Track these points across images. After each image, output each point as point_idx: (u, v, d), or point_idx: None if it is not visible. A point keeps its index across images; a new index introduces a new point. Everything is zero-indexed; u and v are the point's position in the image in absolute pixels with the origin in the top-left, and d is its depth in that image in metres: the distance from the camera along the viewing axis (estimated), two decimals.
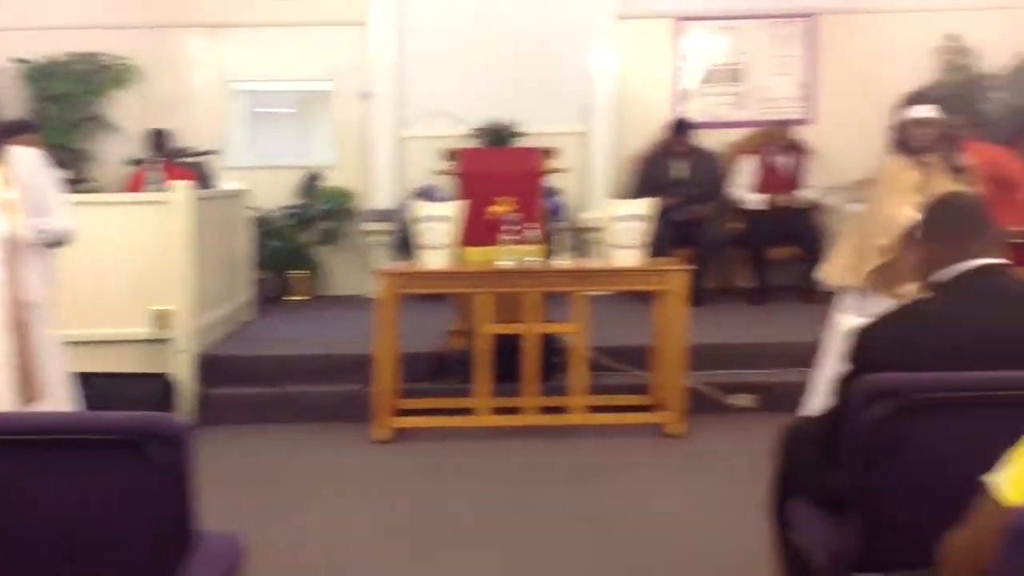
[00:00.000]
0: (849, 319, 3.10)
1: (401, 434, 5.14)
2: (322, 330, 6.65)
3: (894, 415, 2.18)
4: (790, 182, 7.54)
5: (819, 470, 2.52)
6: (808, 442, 2.63)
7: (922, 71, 7.77)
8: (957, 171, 4.18)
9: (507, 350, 5.15)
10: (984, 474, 1.63)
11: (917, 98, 4.22)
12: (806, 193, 7.51)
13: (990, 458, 1.64)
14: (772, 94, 8.15)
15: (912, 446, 2.21)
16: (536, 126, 7.73)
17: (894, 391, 2.19)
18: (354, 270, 7.93)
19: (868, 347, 2.37)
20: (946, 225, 2.50)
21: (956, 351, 2.28)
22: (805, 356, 5.06)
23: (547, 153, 5.89)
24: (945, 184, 4.00)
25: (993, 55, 7.69)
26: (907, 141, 4.21)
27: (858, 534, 2.26)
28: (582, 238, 7.90)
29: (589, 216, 7.78)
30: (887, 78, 7.72)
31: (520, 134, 7.77)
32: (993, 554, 1.47)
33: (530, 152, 6.19)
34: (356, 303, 7.23)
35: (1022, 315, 2.34)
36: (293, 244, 7.91)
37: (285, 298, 7.81)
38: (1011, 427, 1.66)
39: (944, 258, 2.46)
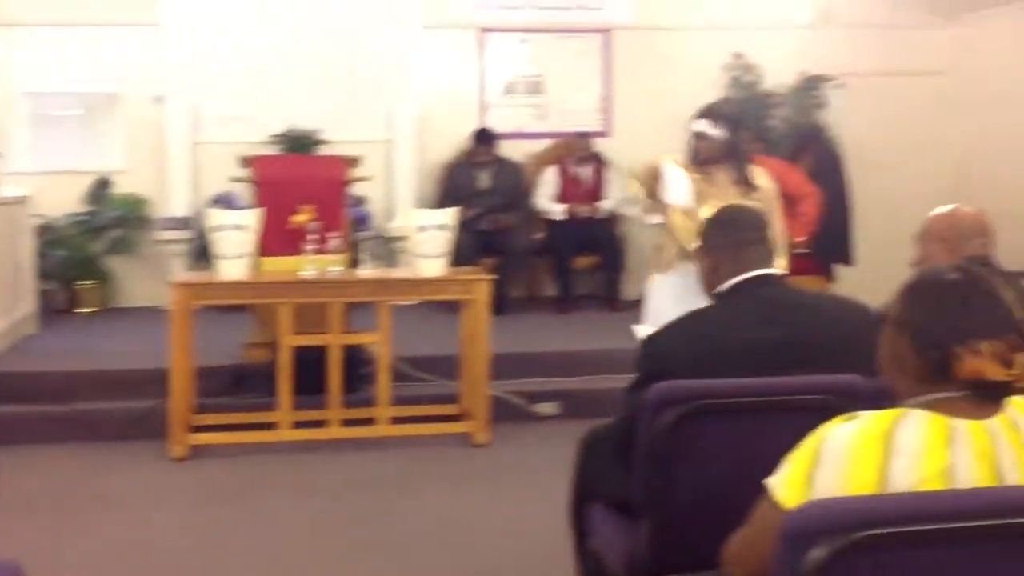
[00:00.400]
0: (640, 328, 3.19)
1: (200, 451, 4.96)
2: (114, 343, 6.35)
3: (680, 421, 2.25)
4: (591, 193, 7.73)
5: (613, 476, 2.57)
6: (603, 448, 2.68)
7: (711, 87, 8.14)
8: (746, 185, 4.36)
9: (311, 362, 5.05)
10: (765, 477, 1.70)
11: (703, 112, 4.38)
12: (606, 204, 7.72)
13: (772, 461, 1.70)
14: (572, 106, 8.33)
15: (698, 451, 2.29)
16: (340, 134, 7.62)
17: (679, 398, 2.26)
18: (149, 280, 7.59)
19: (654, 355, 2.44)
20: (724, 236, 2.60)
21: (734, 358, 2.37)
22: (608, 364, 5.20)
23: (351, 161, 5.82)
24: (730, 196, 4.18)
25: (777, 73, 8.13)
26: (692, 153, 4.38)
27: (648, 538, 2.33)
28: (388, 247, 7.87)
29: (395, 225, 7.74)
30: (679, 93, 8.04)
31: (323, 142, 7.64)
32: (771, 554, 1.53)
33: (333, 160, 6.11)
34: (152, 315, 6.94)
35: (796, 323, 2.45)
36: (81, 253, 7.50)
37: (74, 310, 7.40)
38: (790, 431, 1.73)
39: (724, 268, 2.56)
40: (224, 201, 7.23)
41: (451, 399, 5.47)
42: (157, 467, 4.80)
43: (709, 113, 4.37)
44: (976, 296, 1.62)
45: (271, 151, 7.44)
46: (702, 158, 4.33)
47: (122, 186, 7.74)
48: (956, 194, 8.05)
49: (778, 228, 4.24)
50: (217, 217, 5.13)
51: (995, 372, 1.58)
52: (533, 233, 7.64)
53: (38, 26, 7.60)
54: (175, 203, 7.63)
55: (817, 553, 1.43)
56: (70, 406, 5.24)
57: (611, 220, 7.84)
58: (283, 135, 7.63)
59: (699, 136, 4.33)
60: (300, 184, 5.69)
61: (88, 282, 7.53)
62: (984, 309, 1.61)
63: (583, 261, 7.64)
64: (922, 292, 1.68)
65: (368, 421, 5.13)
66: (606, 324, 6.73)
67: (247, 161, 5.79)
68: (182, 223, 7.53)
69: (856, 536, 1.44)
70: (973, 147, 8.28)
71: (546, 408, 5.51)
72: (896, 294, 1.73)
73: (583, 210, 7.57)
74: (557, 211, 7.60)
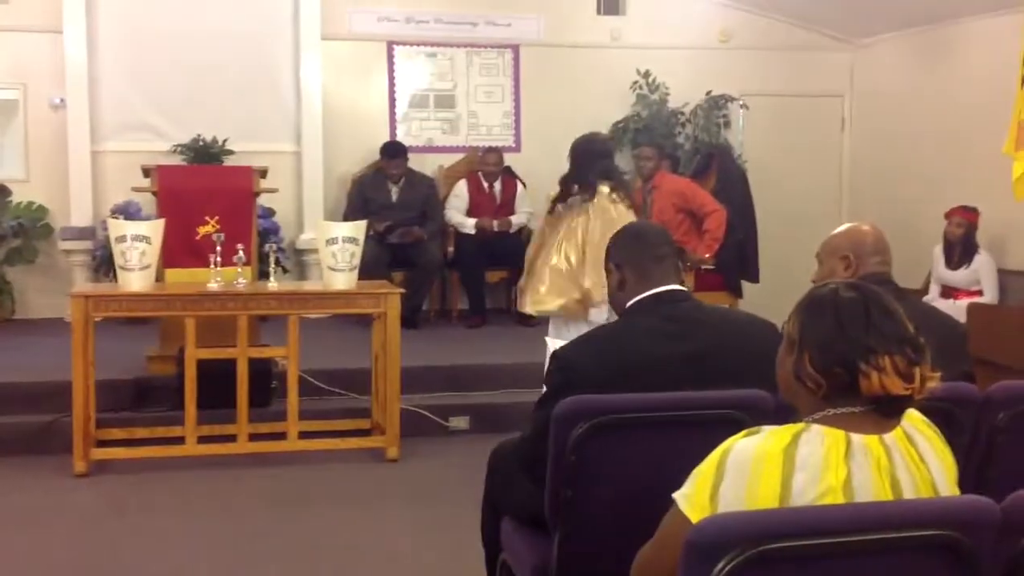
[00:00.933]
0: (552, 342, 3.22)
1: (103, 466, 4.86)
2: (14, 356, 6.16)
3: (589, 435, 2.27)
4: (502, 207, 7.77)
5: (523, 490, 2.59)
6: (513, 462, 2.70)
7: (618, 104, 8.27)
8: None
9: (218, 376, 4.98)
10: (673, 491, 1.73)
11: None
12: (517, 218, 7.76)
13: (680, 475, 1.73)
14: (482, 121, 8.37)
15: (607, 465, 2.32)
16: (247, 144, 7.53)
17: (588, 412, 2.28)
18: (50, 291, 7.39)
19: (563, 369, 2.47)
20: (632, 252, 2.65)
21: (642, 373, 2.41)
22: (519, 378, 5.23)
23: (258, 172, 5.76)
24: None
25: (683, 92, 8.29)
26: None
27: (558, 552, 2.35)
28: (299, 260, 7.80)
29: (305, 237, 7.67)
30: (587, 109, 8.17)
31: (229, 152, 7.54)
32: (675, 567, 1.57)
33: (239, 171, 6.04)
34: (54, 327, 6.78)
35: (703, 339, 2.50)
36: None
37: None
38: (699, 445, 1.76)
39: (632, 283, 2.60)
40: (125, 211, 7.08)
41: (362, 413, 5.44)
42: (59, 483, 4.68)
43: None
44: (875, 313, 1.68)
45: (176, 161, 7.31)
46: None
47: (21, 194, 7.52)
48: (852, 212, 8.38)
49: None
50: (119, 227, 5.02)
51: (897, 387, 1.64)
52: (444, 247, 7.64)
53: None
54: (77, 213, 7.44)
55: (720, 567, 1.47)
56: None
57: (522, 234, 7.89)
58: (188, 145, 7.51)
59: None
60: (205, 195, 5.62)
61: None
62: (884, 325, 1.67)
63: (494, 275, 7.67)
64: (821, 311, 1.72)
65: (277, 436, 5.07)
66: (517, 338, 6.77)
67: (149, 171, 5.68)
68: (84, 233, 7.35)
69: (758, 549, 1.48)
70: (867, 166, 8.57)
71: (457, 422, 5.52)
72: (793, 312, 1.77)
73: (494, 224, 7.60)
74: (468, 225, 7.62)
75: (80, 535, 4.09)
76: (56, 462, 4.83)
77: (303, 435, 5.06)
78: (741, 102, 8.42)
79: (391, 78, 8.21)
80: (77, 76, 7.43)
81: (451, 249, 7.66)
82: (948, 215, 6.68)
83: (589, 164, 5.08)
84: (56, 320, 7.00)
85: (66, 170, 7.47)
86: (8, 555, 3.87)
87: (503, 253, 7.57)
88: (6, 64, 7.52)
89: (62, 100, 7.50)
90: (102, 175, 7.56)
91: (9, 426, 5.11)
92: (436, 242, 7.52)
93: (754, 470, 1.63)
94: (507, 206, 7.79)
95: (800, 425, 1.69)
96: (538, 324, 7.08)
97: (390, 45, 8.20)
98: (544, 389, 2.55)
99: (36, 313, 7.49)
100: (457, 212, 7.70)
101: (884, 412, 1.68)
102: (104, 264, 6.96)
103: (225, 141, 7.54)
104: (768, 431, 1.69)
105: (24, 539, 4.03)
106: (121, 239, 4.91)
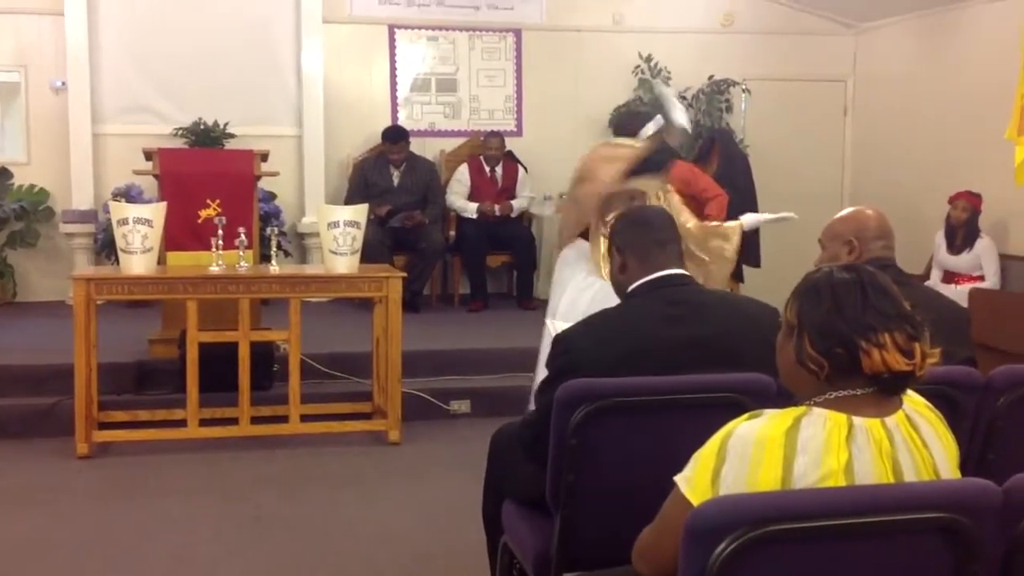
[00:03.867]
0: (552, 324, 3.22)
1: (105, 448, 4.88)
2: (16, 338, 6.17)
3: (591, 418, 2.28)
4: (503, 191, 7.76)
5: (525, 473, 2.60)
6: (515, 446, 2.71)
7: (620, 89, 8.25)
8: None
9: (220, 359, 4.98)
10: (673, 474, 1.73)
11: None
12: (518, 202, 7.76)
13: (681, 458, 1.74)
14: (483, 105, 8.36)
15: (609, 448, 2.32)
16: (248, 128, 7.53)
17: (590, 396, 2.29)
18: (52, 274, 7.40)
19: (565, 353, 2.47)
20: (635, 236, 2.64)
21: (644, 357, 2.41)
22: (521, 361, 5.22)
23: (259, 156, 5.75)
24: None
25: (685, 76, 8.27)
26: None
27: (560, 534, 2.36)
28: (300, 243, 7.80)
29: (307, 221, 7.67)
30: (588, 94, 8.16)
31: (231, 136, 7.54)
32: (676, 549, 1.57)
33: (241, 154, 6.02)
34: (56, 309, 6.79)
35: (705, 323, 2.50)
36: None
37: None
38: (701, 429, 1.76)
39: (634, 267, 2.61)
40: (127, 194, 7.08)
41: (363, 397, 5.45)
42: (61, 465, 4.70)
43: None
44: (871, 292, 1.69)
45: (177, 144, 7.31)
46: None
47: (23, 178, 7.52)
48: (854, 197, 8.37)
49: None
50: (121, 210, 5.02)
51: (899, 363, 1.65)
52: (446, 231, 7.64)
53: None
54: (78, 196, 7.44)
55: (721, 549, 1.48)
56: None
57: (523, 219, 7.90)
58: (189, 128, 7.50)
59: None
60: (207, 178, 5.61)
61: None
62: (881, 303, 1.68)
63: (496, 259, 7.67)
64: (817, 294, 1.72)
65: (279, 419, 5.08)
66: (518, 322, 6.78)
67: (151, 154, 5.68)
68: (86, 216, 7.35)
69: (759, 532, 1.48)
70: (869, 151, 8.55)
71: (458, 406, 5.53)
72: (789, 298, 1.78)
73: (496, 209, 7.59)
74: (470, 209, 7.62)
75: (82, 517, 4.10)
76: (58, 444, 4.86)
77: (304, 418, 5.07)
78: (743, 86, 8.40)
79: (392, 62, 8.19)
80: (78, 59, 7.42)
81: (453, 233, 7.65)
82: (952, 199, 6.67)
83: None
84: (58, 303, 7.01)
85: (67, 153, 7.46)
86: (10, 536, 3.88)
87: (505, 237, 7.57)
88: (7, 47, 7.51)
89: (63, 83, 7.48)
90: (103, 158, 7.55)
91: (12, 408, 5.13)
92: (437, 226, 7.52)
93: (755, 453, 1.63)
94: (509, 190, 7.79)
95: (802, 408, 1.69)
96: (538, 308, 7.10)
97: (391, 28, 8.18)
98: (546, 372, 2.55)
99: (38, 296, 7.50)
100: (459, 196, 7.70)
101: (886, 391, 1.68)
102: (106, 247, 6.96)
103: (226, 125, 7.53)
104: (770, 414, 1.69)
105: (27, 520, 4.05)
106: (123, 222, 4.91)
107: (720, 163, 7.46)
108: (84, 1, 7.38)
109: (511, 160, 7.89)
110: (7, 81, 7.60)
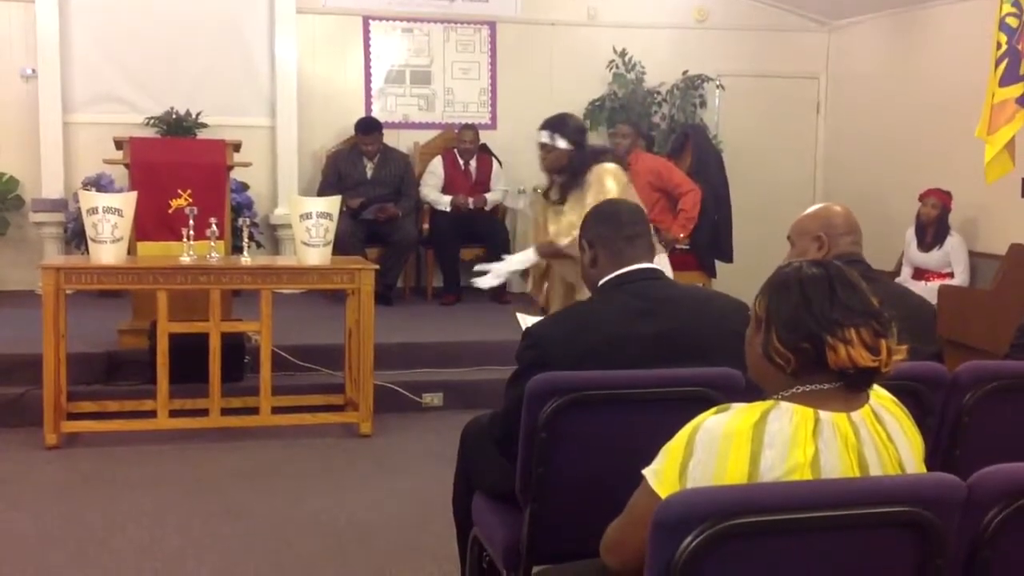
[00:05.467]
0: (524, 319, 3.22)
1: (74, 439, 4.84)
2: None
3: (560, 412, 2.28)
4: (477, 184, 7.75)
5: (495, 466, 2.60)
6: (485, 439, 2.71)
7: (594, 83, 8.26)
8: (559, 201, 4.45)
9: (191, 350, 4.95)
10: (642, 467, 1.74)
11: (547, 123, 4.48)
12: (492, 196, 7.75)
13: (650, 452, 1.74)
14: (458, 98, 8.34)
15: (578, 441, 2.33)
16: (221, 118, 7.47)
17: (560, 389, 2.29)
18: (22, 264, 7.33)
19: (534, 346, 2.47)
20: (606, 230, 2.65)
21: (614, 351, 2.42)
22: (494, 355, 5.22)
23: (231, 146, 5.71)
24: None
25: (659, 72, 8.29)
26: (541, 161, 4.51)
27: (529, 527, 2.36)
28: (272, 235, 7.76)
29: (278, 212, 7.63)
30: (563, 87, 8.16)
31: (202, 125, 7.48)
32: (644, 542, 1.58)
33: (213, 144, 5.98)
34: (24, 299, 6.73)
35: (675, 317, 2.50)
36: None
37: None
38: (669, 423, 1.77)
39: (605, 261, 2.61)
40: (97, 183, 7.02)
41: (335, 389, 5.44)
42: (29, 455, 4.66)
43: (551, 125, 4.44)
44: (839, 287, 1.70)
45: (149, 134, 7.25)
46: (545, 167, 4.44)
47: None
48: (826, 193, 8.43)
49: None
50: (91, 199, 4.97)
51: (864, 359, 1.66)
52: (419, 224, 7.62)
53: None
54: (48, 185, 7.37)
55: (688, 541, 1.49)
56: None
57: (497, 212, 7.89)
58: (161, 118, 7.44)
59: (543, 147, 4.43)
60: (178, 168, 5.58)
61: None
62: (848, 299, 1.69)
63: (469, 252, 7.65)
64: (786, 288, 1.73)
65: (249, 410, 5.06)
66: (491, 315, 6.78)
67: (122, 143, 5.63)
68: (56, 205, 7.28)
69: (725, 525, 1.49)
70: (841, 148, 8.61)
71: (431, 399, 5.53)
72: (759, 292, 1.79)
73: (469, 202, 7.58)
74: (443, 202, 7.60)
75: (50, 507, 4.07)
76: (26, 434, 4.82)
77: (276, 410, 5.05)
78: (717, 82, 8.43)
79: (367, 53, 8.16)
80: (48, 46, 7.34)
81: (426, 226, 7.64)
82: (923, 196, 6.72)
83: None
84: (27, 292, 6.95)
85: (37, 142, 7.39)
86: None
87: (478, 231, 7.57)
88: None
89: (33, 71, 7.40)
90: (74, 147, 7.49)
91: None
92: (411, 219, 7.50)
93: (723, 447, 1.64)
94: (482, 184, 7.78)
95: (769, 402, 1.70)
96: (511, 302, 7.10)
97: (366, 20, 8.15)
98: (517, 365, 2.55)
99: (7, 286, 7.43)
100: (432, 189, 7.68)
101: (852, 387, 1.69)
102: (76, 236, 6.90)
103: (199, 114, 7.48)
104: (737, 408, 1.70)
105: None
106: (93, 211, 4.86)
107: (693, 158, 7.49)
108: None
109: (485, 153, 7.88)
110: None
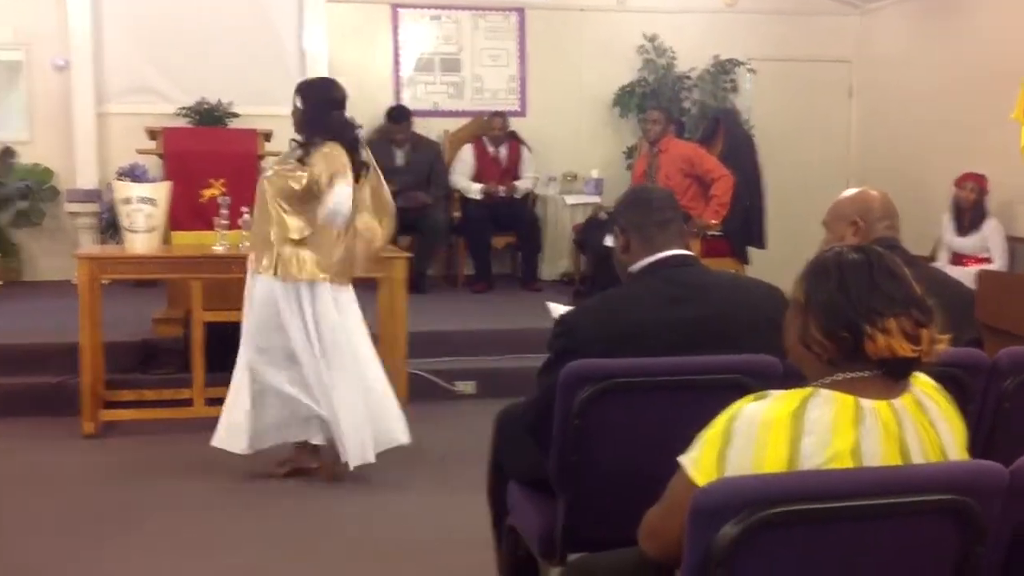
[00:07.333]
0: (555, 307, 3.21)
1: (111, 427, 4.89)
2: (21, 317, 6.17)
3: (594, 399, 2.28)
4: (507, 172, 7.74)
5: (529, 454, 2.60)
6: (519, 427, 2.70)
7: (624, 68, 8.22)
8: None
9: (225, 338, 4.97)
10: (677, 454, 1.73)
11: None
12: (522, 183, 7.73)
13: (685, 439, 1.73)
14: (487, 85, 8.33)
15: (612, 429, 2.32)
16: (251, 108, 7.50)
17: (593, 376, 2.28)
18: (58, 254, 7.40)
19: (567, 334, 2.46)
20: (638, 216, 2.62)
21: (647, 338, 2.40)
22: (526, 342, 5.21)
23: (263, 135, 5.74)
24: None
25: (690, 56, 8.24)
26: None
27: (564, 515, 2.36)
28: None
29: None
30: (593, 74, 8.12)
31: (234, 115, 7.52)
32: (682, 530, 1.57)
33: (245, 133, 6.02)
34: (60, 288, 6.80)
35: (708, 304, 2.48)
36: None
37: None
38: (704, 410, 1.75)
39: (637, 248, 2.59)
40: (131, 173, 7.07)
41: None
42: (67, 444, 4.70)
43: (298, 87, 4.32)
44: (879, 275, 1.67)
45: (181, 124, 7.29)
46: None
47: (26, 156, 7.51)
48: (859, 178, 8.34)
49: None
50: (125, 189, 5.01)
51: (904, 349, 1.63)
52: (450, 212, 7.62)
53: None
54: (82, 175, 7.44)
55: (727, 530, 1.48)
56: None
57: (528, 199, 7.88)
58: (193, 108, 7.48)
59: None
60: (211, 157, 5.61)
61: None
62: (888, 287, 1.66)
63: (500, 240, 7.66)
64: (825, 274, 1.71)
65: None
66: (523, 303, 6.78)
67: (155, 133, 5.67)
68: (90, 195, 7.34)
69: (765, 513, 1.48)
70: (875, 132, 8.52)
71: (464, 387, 5.53)
72: (798, 277, 1.77)
73: (500, 189, 7.57)
74: (474, 190, 7.60)
75: (94, 494, 4.12)
76: (65, 423, 4.87)
77: None
78: (748, 67, 8.36)
79: (396, 41, 8.16)
80: (81, 38, 7.40)
81: (457, 214, 7.64)
82: (960, 181, 6.64)
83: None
84: (63, 282, 7.01)
85: (70, 132, 7.46)
86: (17, 514, 3.89)
87: (509, 218, 7.56)
88: (9, 25, 7.47)
89: (66, 62, 7.46)
90: (107, 137, 7.55)
91: (19, 386, 5.14)
92: (442, 207, 7.50)
93: (761, 434, 1.63)
94: (512, 171, 7.77)
95: (808, 390, 1.69)
96: (543, 290, 7.09)
97: (395, 8, 8.15)
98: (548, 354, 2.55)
99: (43, 275, 7.51)
100: (462, 177, 7.68)
101: (892, 375, 1.67)
102: (110, 226, 6.96)
103: (229, 104, 7.51)
104: (776, 395, 1.69)
105: (38, 496, 4.07)
106: (127, 201, 4.90)
107: (725, 144, 7.44)
108: None
109: (515, 140, 7.87)
110: (9, 60, 7.58)
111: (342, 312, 4.22)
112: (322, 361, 4.14)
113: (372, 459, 4.19)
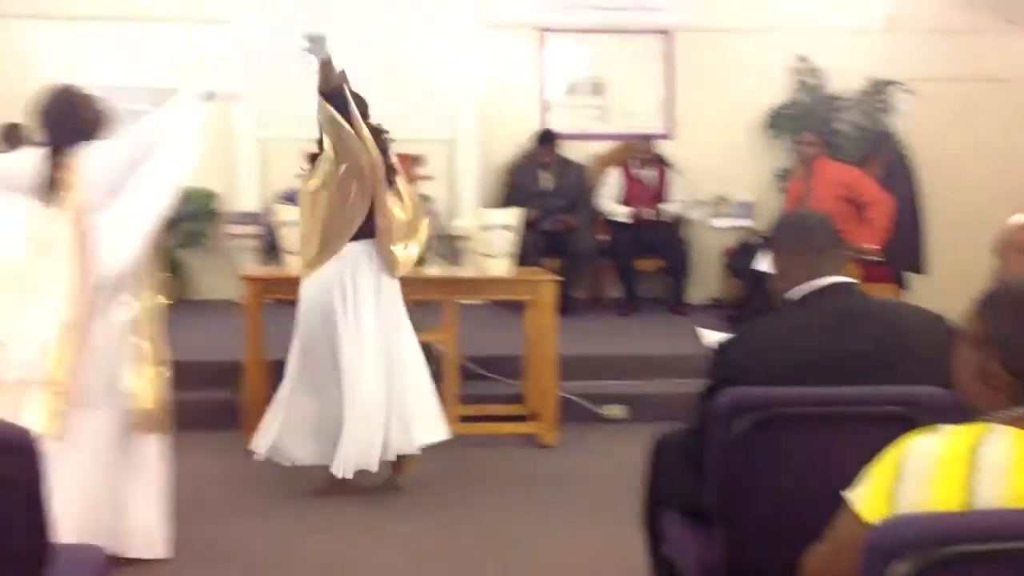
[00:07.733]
0: (707, 332, 3.18)
1: None
2: (188, 336, 6.43)
3: (754, 428, 2.25)
4: (654, 195, 7.71)
5: (685, 482, 2.58)
6: (675, 455, 2.70)
7: (775, 90, 8.08)
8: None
9: None
10: (841, 488, 1.70)
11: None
12: (670, 206, 7.69)
13: (847, 472, 1.70)
14: (633, 108, 8.31)
15: (771, 460, 2.29)
16: (401, 132, 7.67)
17: (751, 405, 2.26)
18: (218, 273, 7.74)
19: (725, 362, 2.45)
20: (795, 242, 2.58)
21: (806, 367, 2.36)
22: (674, 368, 5.16)
23: (414, 160, 5.87)
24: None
25: (843, 77, 8.04)
26: None
27: (723, 546, 2.34)
28: (452, 246, 7.92)
29: (459, 224, 7.79)
30: (742, 95, 8.01)
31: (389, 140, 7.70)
32: (851, 569, 1.54)
33: (398, 158, 6.15)
34: (219, 307, 7.07)
35: (870, 333, 2.43)
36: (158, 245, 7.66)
37: None
38: (866, 442, 1.73)
39: (795, 275, 2.54)
40: (289, 197, 7.33)
41: (516, 399, 5.49)
42: (233, 460, 4.80)
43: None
44: None
45: None
46: None
47: (191, 180, 7.86)
48: None
49: None
50: (286, 212, 5.22)
51: None
52: (596, 235, 7.64)
53: (110, 20, 7.75)
54: (244, 198, 7.76)
55: (902, 568, 1.45)
56: None
57: (675, 223, 7.81)
58: None
59: None
60: None
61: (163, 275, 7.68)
62: None
63: (646, 264, 7.62)
64: (1008, 307, 1.65)
65: None
66: (670, 327, 6.73)
67: (312, 157, 5.86)
68: (251, 218, 7.65)
69: (942, 552, 1.45)
70: None
71: (614, 411, 5.51)
72: (975, 307, 1.71)
73: (648, 212, 7.55)
74: (621, 213, 7.60)
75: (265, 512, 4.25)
76: (229, 438, 4.99)
77: (462, 419, 5.11)
78: (906, 88, 8.10)
79: (543, 66, 8.24)
80: (244, 66, 7.71)
81: (604, 237, 7.64)
82: None
83: None
84: (222, 301, 7.29)
85: (232, 157, 7.79)
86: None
87: (656, 241, 7.52)
88: (175, 54, 7.80)
89: (233, 91, 7.78)
90: (266, 162, 7.85)
91: (187, 403, 5.34)
92: (588, 230, 7.53)
93: (934, 471, 1.58)
94: (659, 194, 7.73)
95: (983, 426, 1.63)
96: (690, 314, 7.02)
97: (543, 32, 8.23)
98: (705, 381, 2.53)
99: (204, 294, 7.83)
100: (609, 200, 7.69)
101: None
102: (269, 248, 7.23)
103: (381, 130, 7.70)
104: (948, 430, 1.64)
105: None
106: (287, 223, 5.10)
107: (883, 166, 7.24)
108: (254, 11, 7.68)
109: (662, 163, 7.84)
110: (175, 87, 7.93)
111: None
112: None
113: (374, 467, 4.19)
